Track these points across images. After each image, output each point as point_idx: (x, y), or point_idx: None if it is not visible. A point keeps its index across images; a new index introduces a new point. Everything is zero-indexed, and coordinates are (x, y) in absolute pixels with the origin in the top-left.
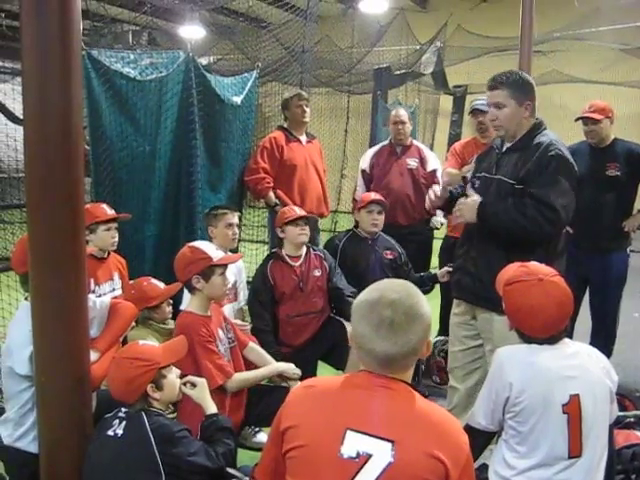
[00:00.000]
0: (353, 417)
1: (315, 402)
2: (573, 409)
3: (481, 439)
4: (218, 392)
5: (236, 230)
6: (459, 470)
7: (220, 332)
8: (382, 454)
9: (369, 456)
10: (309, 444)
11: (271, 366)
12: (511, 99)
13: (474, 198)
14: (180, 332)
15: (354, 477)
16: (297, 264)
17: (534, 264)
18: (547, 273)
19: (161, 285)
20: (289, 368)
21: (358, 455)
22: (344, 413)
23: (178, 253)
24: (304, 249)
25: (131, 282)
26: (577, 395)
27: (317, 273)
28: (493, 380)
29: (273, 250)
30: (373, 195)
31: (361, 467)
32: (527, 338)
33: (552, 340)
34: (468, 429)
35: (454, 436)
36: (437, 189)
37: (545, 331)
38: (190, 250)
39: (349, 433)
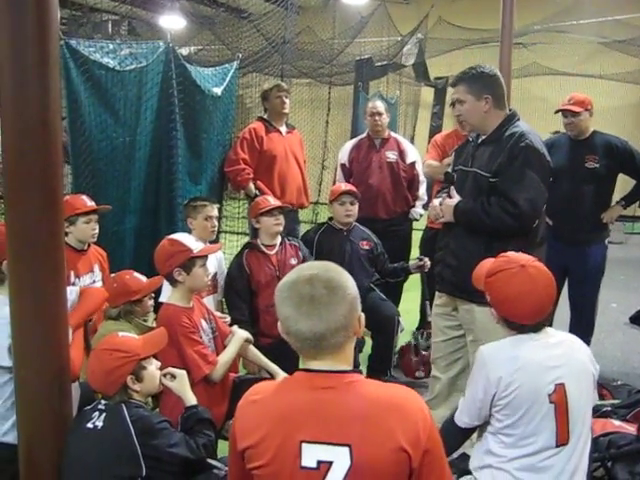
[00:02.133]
0: (304, 428)
1: (263, 418)
2: (559, 398)
3: (463, 436)
4: (202, 384)
5: (215, 222)
6: (420, 452)
7: (203, 323)
8: (341, 459)
9: (330, 463)
10: (270, 463)
11: (237, 336)
12: (468, 94)
13: (451, 200)
14: (163, 324)
15: None
16: (272, 252)
17: (512, 253)
18: (528, 259)
19: (143, 279)
20: (247, 336)
21: (319, 464)
22: (295, 425)
23: (158, 246)
24: (279, 239)
25: (112, 275)
26: (562, 384)
27: (293, 262)
28: (478, 379)
29: (248, 241)
30: (344, 186)
31: (324, 475)
32: (515, 327)
33: (537, 327)
34: (452, 427)
35: (412, 417)
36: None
37: (534, 316)
38: (170, 243)
39: (304, 446)
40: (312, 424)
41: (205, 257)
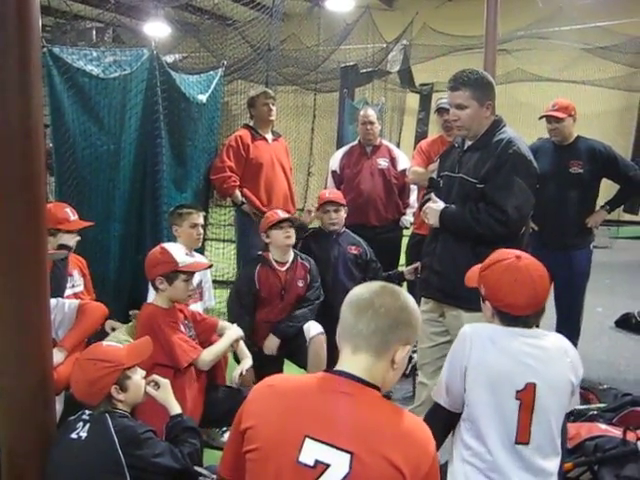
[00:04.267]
0: (313, 424)
1: (275, 403)
2: (527, 397)
3: (444, 416)
4: (179, 386)
5: (201, 230)
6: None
7: (182, 327)
8: (340, 465)
9: (327, 466)
10: (266, 447)
11: (230, 332)
12: (473, 100)
13: (438, 205)
14: (143, 322)
15: None
16: (283, 269)
17: (505, 250)
18: (521, 253)
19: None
20: (241, 334)
21: (316, 464)
22: (304, 419)
23: (151, 251)
24: (291, 255)
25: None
26: (533, 384)
27: (300, 284)
28: (455, 352)
29: (260, 253)
30: (328, 194)
31: (318, 476)
32: (508, 319)
33: (528, 323)
34: (432, 407)
35: (418, 446)
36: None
37: (529, 305)
38: (160, 251)
39: (308, 441)
40: (322, 422)
41: (191, 273)
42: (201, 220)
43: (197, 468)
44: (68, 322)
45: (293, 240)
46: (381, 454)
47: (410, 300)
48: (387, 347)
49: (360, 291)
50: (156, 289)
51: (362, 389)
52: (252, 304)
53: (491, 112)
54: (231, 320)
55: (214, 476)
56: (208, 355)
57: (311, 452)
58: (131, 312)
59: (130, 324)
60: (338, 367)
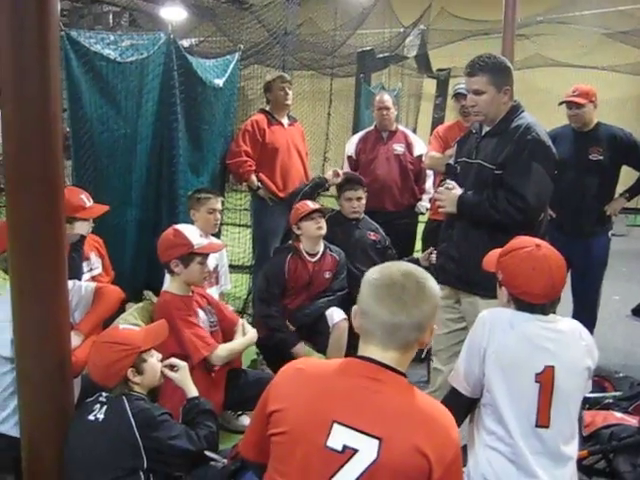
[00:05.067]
0: (342, 409)
1: (304, 386)
2: (546, 379)
3: (461, 401)
4: (199, 371)
5: (218, 216)
6: (442, 468)
7: (201, 313)
8: (368, 451)
9: (355, 451)
10: (294, 431)
11: (250, 335)
12: (490, 85)
13: (455, 191)
14: (159, 311)
15: (338, 470)
16: (313, 260)
17: (525, 237)
18: (541, 242)
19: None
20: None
21: (344, 449)
22: (333, 404)
23: (163, 233)
24: (322, 246)
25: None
26: (552, 367)
27: (327, 276)
28: (473, 337)
29: (290, 243)
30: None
31: (346, 461)
32: (525, 306)
33: (545, 310)
34: (449, 392)
35: (444, 433)
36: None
37: (545, 295)
38: (174, 233)
39: (336, 426)
40: (351, 408)
41: (206, 255)
42: (219, 205)
43: (208, 453)
44: (85, 305)
45: (324, 230)
46: (409, 440)
47: (435, 289)
48: (413, 342)
49: (385, 278)
50: (171, 272)
51: (390, 375)
52: (281, 293)
53: (509, 97)
54: (259, 304)
55: (225, 460)
56: (223, 351)
57: (339, 437)
58: (145, 292)
59: (141, 304)
60: (364, 353)
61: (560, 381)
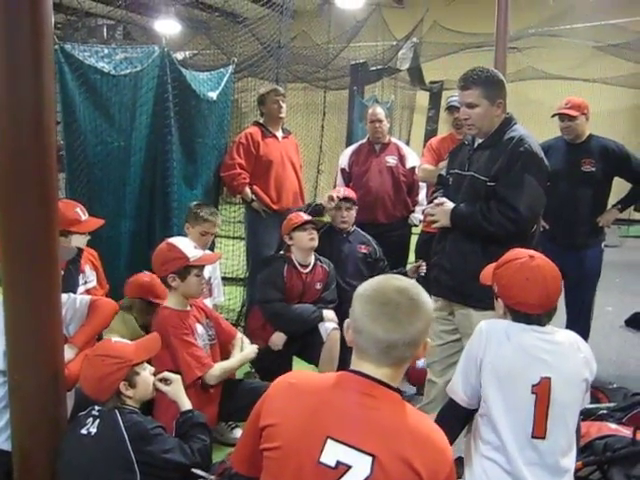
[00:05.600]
0: (336, 425)
1: (297, 401)
2: (542, 391)
3: (458, 412)
4: (192, 385)
5: (211, 238)
6: None
7: (199, 327)
8: (361, 467)
9: (348, 467)
10: (288, 446)
11: (247, 351)
12: (483, 98)
13: (446, 205)
14: (157, 327)
15: None
16: (305, 271)
17: (519, 249)
18: (535, 253)
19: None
20: (255, 352)
21: (338, 465)
22: (327, 420)
23: (157, 248)
24: (312, 258)
25: (146, 272)
26: (549, 378)
27: (318, 287)
28: (471, 347)
29: (282, 253)
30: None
31: (339, 477)
32: (521, 317)
33: (542, 321)
34: (447, 403)
35: (437, 451)
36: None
37: (540, 305)
38: (168, 247)
39: (330, 442)
40: (345, 424)
41: (202, 266)
42: (215, 230)
43: (196, 470)
44: (79, 318)
45: (316, 242)
46: (402, 457)
47: (428, 304)
48: (407, 359)
49: (379, 296)
50: (168, 287)
51: (384, 392)
52: (282, 298)
53: (502, 110)
54: (262, 294)
55: (212, 477)
56: (217, 370)
57: (333, 453)
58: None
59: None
60: (358, 368)
61: (557, 393)
